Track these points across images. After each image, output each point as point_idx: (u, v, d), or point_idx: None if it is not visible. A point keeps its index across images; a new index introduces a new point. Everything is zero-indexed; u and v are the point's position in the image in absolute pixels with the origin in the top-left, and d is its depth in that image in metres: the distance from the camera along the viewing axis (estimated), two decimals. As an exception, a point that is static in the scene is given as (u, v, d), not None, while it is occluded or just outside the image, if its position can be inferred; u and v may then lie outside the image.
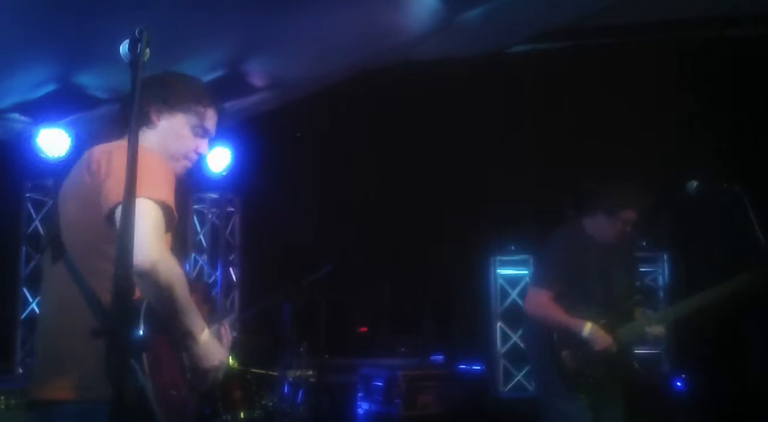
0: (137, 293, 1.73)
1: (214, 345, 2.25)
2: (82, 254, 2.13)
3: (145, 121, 2.34)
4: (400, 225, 7.63)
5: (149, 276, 1.95)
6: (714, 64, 6.33)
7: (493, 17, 5.69)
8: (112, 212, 2.04)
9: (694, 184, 3.46)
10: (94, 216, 2.09)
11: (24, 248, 6.71)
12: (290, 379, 4.97)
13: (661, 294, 6.96)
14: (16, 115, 5.95)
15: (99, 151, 2.20)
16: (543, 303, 3.77)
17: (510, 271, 7.60)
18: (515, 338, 7.39)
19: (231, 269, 7.96)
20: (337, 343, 7.14)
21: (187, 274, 2.21)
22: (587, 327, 3.64)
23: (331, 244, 7.16)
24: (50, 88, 5.55)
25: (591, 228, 3.87)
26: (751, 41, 6.35)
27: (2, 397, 4.50)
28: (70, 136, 6.09)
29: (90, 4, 4.40)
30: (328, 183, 7.83)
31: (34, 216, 6.80)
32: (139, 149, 1.71)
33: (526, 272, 7.41)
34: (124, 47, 1.71)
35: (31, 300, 6.62)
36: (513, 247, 7.55)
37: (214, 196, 7.87)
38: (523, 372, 7.22)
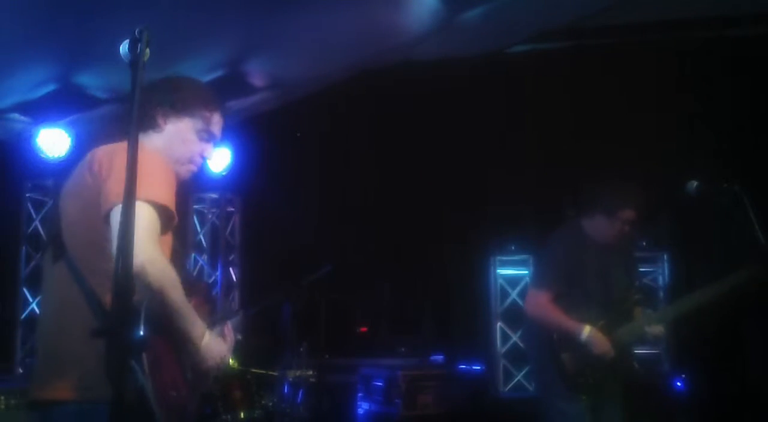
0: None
1: (213, 346, 2.25)
2: (83, 254, 2.13)
3: (151, 124, 2.36)
4: (400, 225, 7.62)
5: (140, 278, 1.95)
6: (714, 64, 6.33)
7: (493, 17, 5.69)
8: (110, 213, 2.04)
9: (694, 184, 3.46)
10: (94, 216, 2.10)
11: (24, 248, 6.71)
12: (290, 379, 4.97)
13: (661, 294, 6.95)
14: (16, 115, 5.95)
15: (101, 151, 2.21)
16: (542, 305, 3.77)
17: (510, 271, 7.59)
18: (515, 338, 7.39)
19: (231, 269, 7.96)
20: (337, 343, 7.14)
21: (188, 274, 2.21)
22: (585, 331, 3.64)
23: (331, 244, 7.16)
24: (50, 88, 5.55)
25: (590, 229, 3.87)
26: (751, 41, 6.35)
27: (2, 397, 4.51)
28: (70, 136, 6.09)
29: (90, 4, 4.40)
30: (328, 183, 7.83)
31: (34, 216, 6.80)
32: (141, 150, 1.71)
33: (526, 272, 7.41)
34: (124, 47, 1.71)
35: (31, 300, 6.62)
36: (513, 247, 7.54)
37: (214, 196, 7.87)
38: (523, 372, 7.22)
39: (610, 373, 3.72)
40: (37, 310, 6.51)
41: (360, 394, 7.07)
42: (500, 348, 7.45)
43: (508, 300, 7.53)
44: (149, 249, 2.00)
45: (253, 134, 6.91)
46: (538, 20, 6.16)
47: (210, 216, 7.96)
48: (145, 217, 2.03)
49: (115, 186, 2.04)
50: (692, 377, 6.39)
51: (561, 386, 3.69)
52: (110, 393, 1.59)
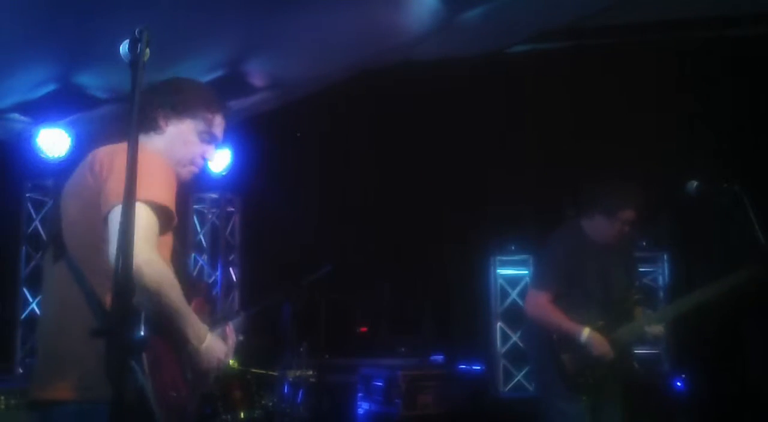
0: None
1: (213, 347, 2.25)
2: (83, 254, 2.13)
3: (152, 126, 2.36)
4: (400, 225, 7.62)
5: (136, 279, 1.95)
6: (714, 64, 6.33)
7: (493, 17, 5.69)
8: (109, 213, 2.04)
9: (694, 184, 3.46)
10: (95, 216, 2.10)
11: (24, 248, 6.71)
12: (290, 379, 4.97)
13: (661, 294, 6.95)
14: (16, 115, 5.95)
15: (102, 152, 2.22)
16: (542, 306, 3.77)
17: (510, 271, 7.59)
18: (515, 338, 7.39)
19: (231, 269, 7.97)
20: (337, 343, 7.14)
21: (189, 274, 2.21)
22: (585, 333, 3.64)
23: (331, 244, 7.16)
24: (50, 88, 5.55)
25: (590, 229, 3.87)
26: (751, 41, 6.35)
27: (2, 397, 4.51)
28: (70, 136, 6.09)
29: (90, 4, 4.40)
30: (328, 183, 7.83)
31: (34, 216, 6.80)
32: (140, 150, 1.71)
33: (526, 272, 7.41)
34: (124, 47, 1.71)
35: (31, 300, 6.62)
36: (513, 247, 7.54)
37: (214, 196, 7.87)
38: (523, 372, 7.22)
39: (610, 373, 3.72)
40: (37, 310, 6.51)
41: (360, 394, 7.08)
42: (500, 348, 7.45)
43: (508, 300, 7.53)
44: (146, 251, 2.00)
45: (253, 134, 6.90)
46: (538, 20, 6.16)
47: (210, 216, 7.96)
48: (142, 218, 2.03)
49: (116, 186, 2.04)
50: (692, 377, 6.39)
51: (561, 386, 3.69)
52: (110, 393, 1.59)
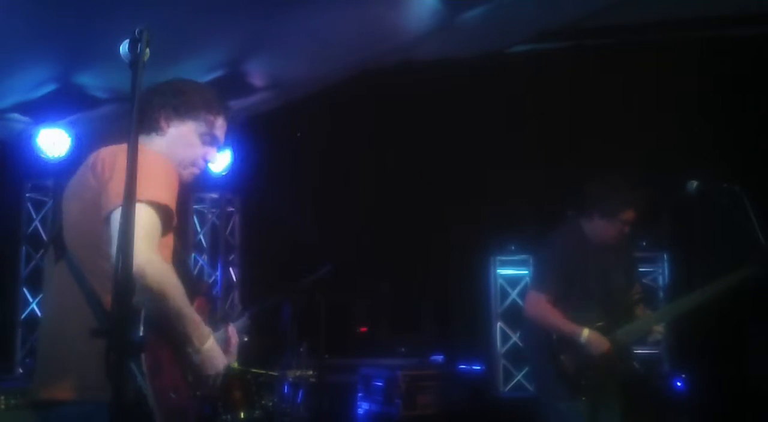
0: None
1: (215, 351, 2.25)
2: (84, 254, 2.13)
3: (154, 127, 2.36)
4: (400, 225, 7.62)
5: (138, 280, 1.95)
6: (714, 64, 6.33)
7: (493, 17, 5.70)
8: (111, 214, 2.04)
9: (694, 184, 3.47)
10: (96, 217, 2.10)
11: (24, 248, 6.71)
12: (290, 379, 4.97)
13: (661, 294, 6.95)
14: (16, 115, 5.95)
15: (104, 152, 2.21)
16: (542, 307, 3.76)
17: (510, 271, 7.59)
18: (515, 338, 7.38)
19: (231, 269, 7.97)
20: (337, 343, 7.12)
21: (189, 273, 2.21)
22: (584, 333, 3.64)
23: (331, 244, 7.16)
24: (50, 88, 5.55)
25: (590, 229, 3.87)
26: (751, 41, 6.35)
27: (2, 397, 4.50)
28: (70, 136, 6.09)
29: (90, 3, 4.40)
30: (328, 183, 7.83)
31: (34, 216, 6.80)
32: (141, 151, 1.71)
33: (526, 272, 7.40)
34: (124, 47, 1.71)
35: (31, 300, 6.62)
36: (513, 247, 7.54)
37: (214, 196, 7.87)
38: (523, 372, 7.21)
39: (610, 374, 3.72)
40: (37, 310, 6.52)
41: (360, 394, 7.07)
42: (500, 348, 7.44)
43: (508, 300, 7.53)
44: (148, 251, 1.99)
45: (253, 134, 6.91)
46: (538, 20, 6.16)
47: (210, 216, 7.96)
48: (144, 218, 2.03)
49: (118, 187, 2.04)
50: (692, 377, 6.39)
51: (560, 387, 3.68)
52: (111, 394, 1.59)
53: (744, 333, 6.37)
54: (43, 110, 5.79)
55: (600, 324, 3.69)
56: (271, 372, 4.94)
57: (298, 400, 5.00)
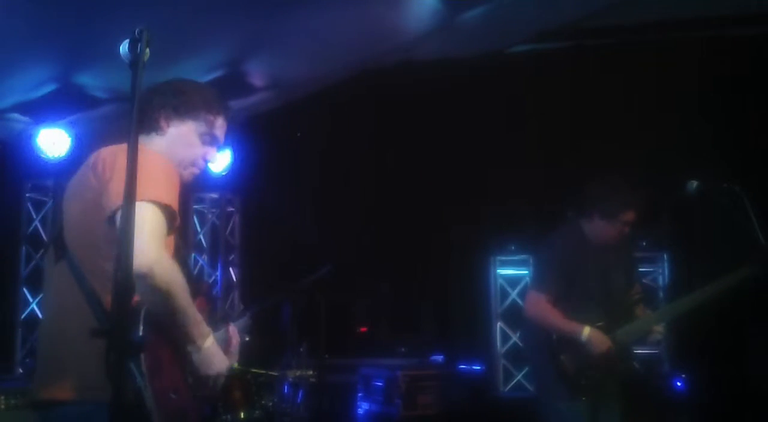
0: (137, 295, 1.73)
1: (216, 352, 2.25)
2: (85, 255, 2.13)
3: (154, 126, 2.36)
4: (400, 225, 7.62)
5: (146, 280, 1.94)
6: (714, 64, 6.33)
7: (493, 17, 5.70)
8: (114, 213, 2.04)
9: (694, 184, 3.46)
10: (97, 217, 2.09)
11: (24, 248, 6.71)
12: (290, 379, 4.97)
13: (661, 294, 6.95)
14: (16, 115, 5.95)
15: (105, 152, 2.21)
16: (542, 307, 3.76)
17: (510, 271, 7.59)
18: (515, 338, 7.38)
19: (231, 269, 7.97)
20: (337, 343, 7.12)
21: (190, 273, 2.21)
22: (585, 332, 3.64)
23: (331, 244, 7.16)
24: (50, 88, 5.55)
25: (589, 230, 3.86)
26: (751, 41, 6.35)
27: (2, 397, 4.50)
28: (70, 136, 6.09)
29: (90, 3, 4.40)
30: (328, 183, 7.83)
31: (34, 216, 6.80)
32: (142, 151, 1.71)
33: (526, 272, 7.40)
34: (124, 47, 1.71)
35: (31, 300, 6.62)
36: (513, 247, 7.54)
37: (214, 196, 7.87)
38: (523, 372, 7.22)
39: (610, 374, 3.72)
40: (37, 310, 6.52)
41: (360, 394, 7.07)
42: (500, 348, 7.45)
43: (508, 300, 7.53)
44: (156, 250, 1.99)
45: (253, 134, 6.91)
46: (538, 20, 6.16)
47: (210, 216, 7.96)
48: (150, 218, 2.03)
49: (120, 186, 2.03)
50: (692, 377, 6.39)
51: (560, 387, 3.68)
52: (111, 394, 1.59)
53: (744, 333, 6.37)
54: (43, 110, 5.79)
55: (600, 324, 3.69)
56: (271, 372, 4.94)
57: (298, 400, 5.00)
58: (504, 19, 5.83)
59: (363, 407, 7.03)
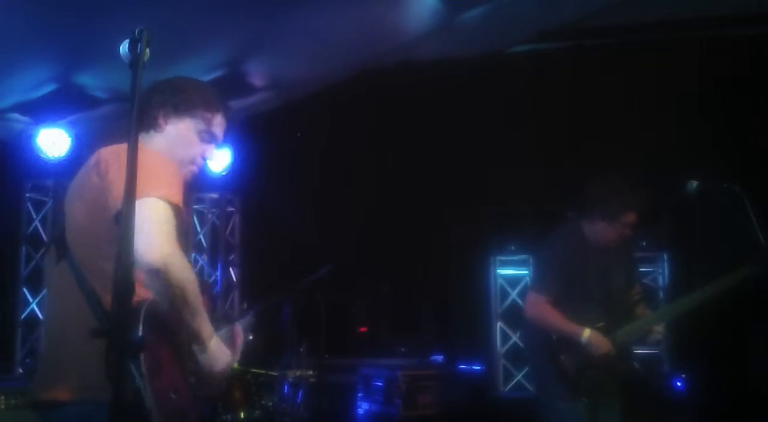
0: (137, 295, 1.73)
1: (220, 350, 2.25)
2: (86, 255, 2.13)
3: (152, 124, 2.36)
4: (400, 225, 7.62)
5: (161, 274, 1.95)
6: (714, 64, 6.33)
7: (493, 17, 5.69)
8: (120, 212, 2.04)
9: (694, 184, 3.46)
10: (100, 217, 2.09)
11: (24, 248, 6.71)
12: (290, 379, 4.97)
13: (661, 294, 6.95)
14: (16, 115, 5.95)
15: (107, 151, 2.21)
16: (542, 308, 3.76)
17: (510, 271, 7.59)
18: (515, 338, 7.39)
19: (231, 269, 7.97)
20: (337, 343, 7.12)
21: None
22: (585, 333, 3.64)
23: (331, 244, 7.16)
24: (50, 88, 5.55)
25: (590, 231, 3.86)
26: (751, 41, 6.35)
27: (2, 397, 4.50)
28: (70, 136, 6.09)
29: (90, 3, 4.40)
30: (328, 183, 7.83)
31: (34, 216, 6.80)
32: (146, 151, 1.71)
33: (526, 272, 7.40)
34: (124, 47, 1.71)
35: (31, 300, 6.63)
36: (513, 247, 7.54)
37: (214, 196, 7.87)
38: (523, 372, 7.22)
39: (610, 374, 3.72)
40: (37, 310, 6.52)
41: (360, 394, 7.07)
42: (500, 348, 7.45)
43: (508, 300, 7.53)
44: (169, 246, 1.99)
45: (253, 134, 6.91)
46: (538, 20, 6.16)
47: (210, 216, 7.96)
48: (159, 214, 2.02)
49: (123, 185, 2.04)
50: (692, 377, 6.39)
51: (561, 387, 3.68)
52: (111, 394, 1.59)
53: (744, 333, 6.37)
54: (43, 110, 5.79)
55: (600, 324, 3.69)
56: (271, 372, 4.93)
57: (298, 400, 5.00)
58: (504, 19, 5.82)
59: (363, 407, 7.03)
